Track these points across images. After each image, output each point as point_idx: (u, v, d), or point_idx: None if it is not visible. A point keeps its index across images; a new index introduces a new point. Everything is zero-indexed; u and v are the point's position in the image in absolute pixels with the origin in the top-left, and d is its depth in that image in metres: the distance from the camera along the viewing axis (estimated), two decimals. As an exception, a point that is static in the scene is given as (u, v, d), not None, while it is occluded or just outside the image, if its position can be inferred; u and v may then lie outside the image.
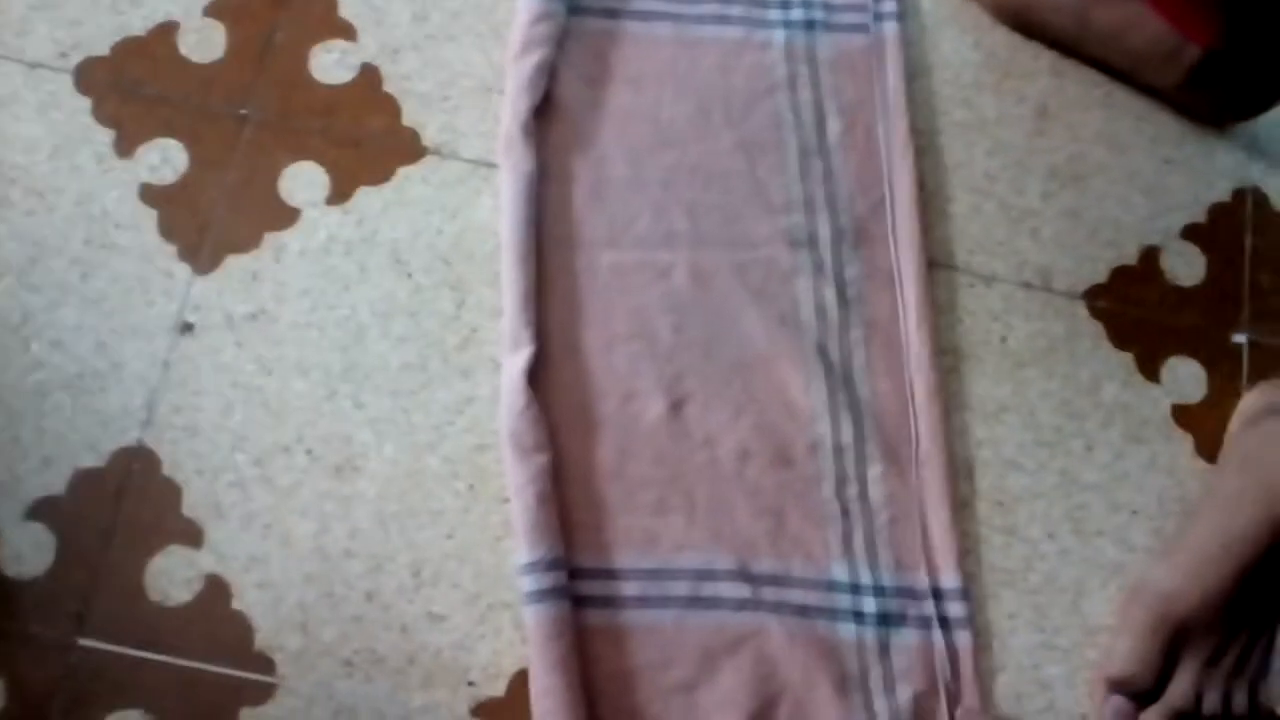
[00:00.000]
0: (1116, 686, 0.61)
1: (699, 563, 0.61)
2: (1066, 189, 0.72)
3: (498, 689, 0.59)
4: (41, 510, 0.60)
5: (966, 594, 0.62)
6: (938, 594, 0.62)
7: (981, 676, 0.61)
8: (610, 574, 0.61)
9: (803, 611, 0.61)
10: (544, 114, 0.69)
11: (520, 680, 0.59)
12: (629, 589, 0.61)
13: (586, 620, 0.60)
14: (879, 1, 0.74)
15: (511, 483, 0.61)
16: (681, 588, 0.61)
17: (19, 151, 0.67)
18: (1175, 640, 0.60)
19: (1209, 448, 0.67)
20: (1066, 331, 0.69)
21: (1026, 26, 0.75)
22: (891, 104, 0.71)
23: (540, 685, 0.57)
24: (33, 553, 0.60)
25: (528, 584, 0.59)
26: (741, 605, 0.60)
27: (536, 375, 0.63)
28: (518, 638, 0.60)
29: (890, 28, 0.73)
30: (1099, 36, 0.73)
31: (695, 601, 0.61)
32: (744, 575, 0.61)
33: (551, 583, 0.58)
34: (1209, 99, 0.74)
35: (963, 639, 0.61)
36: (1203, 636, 0.60)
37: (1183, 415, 0.68)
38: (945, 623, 0.61)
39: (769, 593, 0.61)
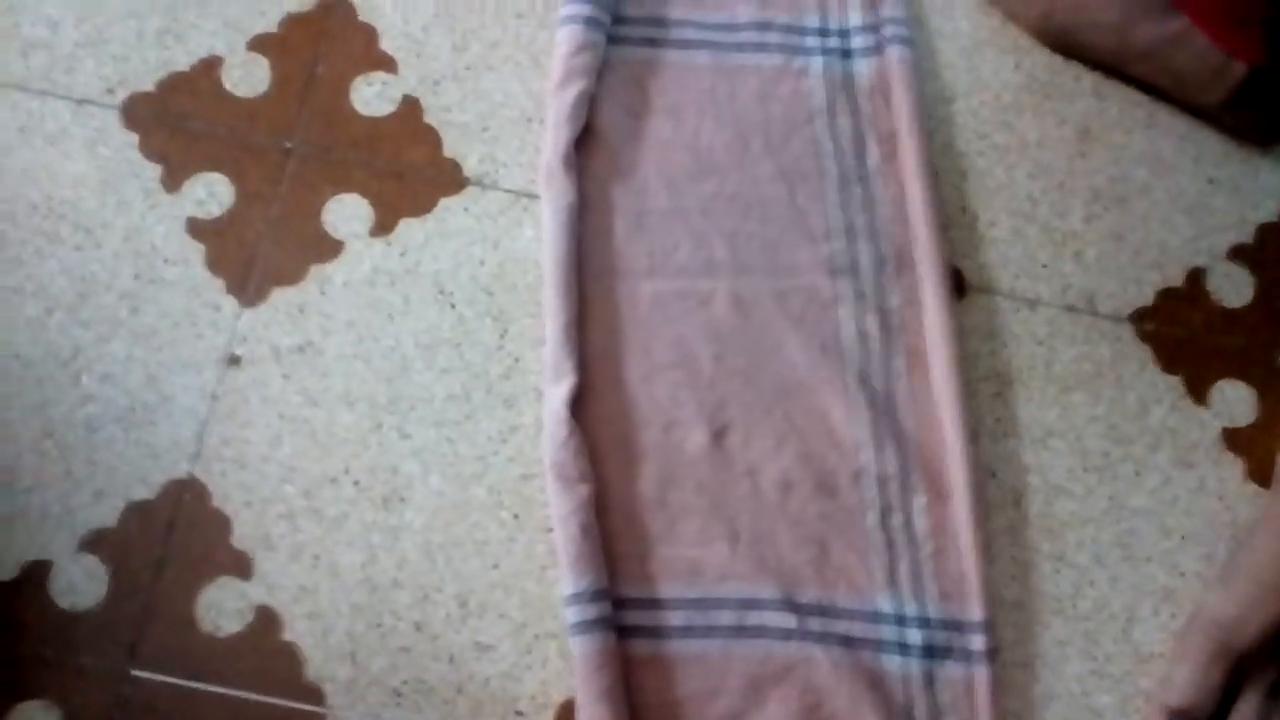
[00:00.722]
0: (1175, 717, 0.60)
1: (744, 592, 0.61)
2: (1110, 211, 0.72)
3: (546, 718, 0.59)
4: (94, 543, 0.61)
5: (988, 627, 0.61)
6: (960, 626, 0.61)
7: (1000, 710, 0.60)
8: (655, 604, 0.61)
9: (848, 642, 0.60)
10: (584, 145, 0.69)
11: (567, 710, 0.59)
12: (674, 619, 0.60)
13: (632, 650, 0.60)
14: (881, 27, 0.74)
15: (555, 514, 0.61)
16: (726, 617, 0.61)
17: (67, 187, 0.68)
18: (1235, 669, 0.60)
19: (1260, 471, 0.66)
20: (1113, 355, 0.69)
21: (1067, 47, 0.75)
22: (903, 129, 0.71)
23: (587, 716, 0.57)
24: (86, 585, 0.60)
25: (573, 615, 0.59)
26: (787, 635, 0.60)
27: (579, 406, 0.63)
28: (565, 667, 0.60)
29: (895, 51, 0.73)
30: (1141, 55, 0.73)
31: (741, 631, 0.60)
32: (789, 605, 0.61)
33: (596, 613, 0.59)
34: (1254, 117, 0.73)
35: (980, 673, 0.60)
36: (1264, 665, 0.60)
37: (1232, 438, 0.67)
38: (967, 655, 0.61)
39: (814, 623, 0.61)
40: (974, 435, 0.65)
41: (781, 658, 0.60)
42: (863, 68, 0.73)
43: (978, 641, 0.61)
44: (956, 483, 0.63)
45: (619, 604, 0.60)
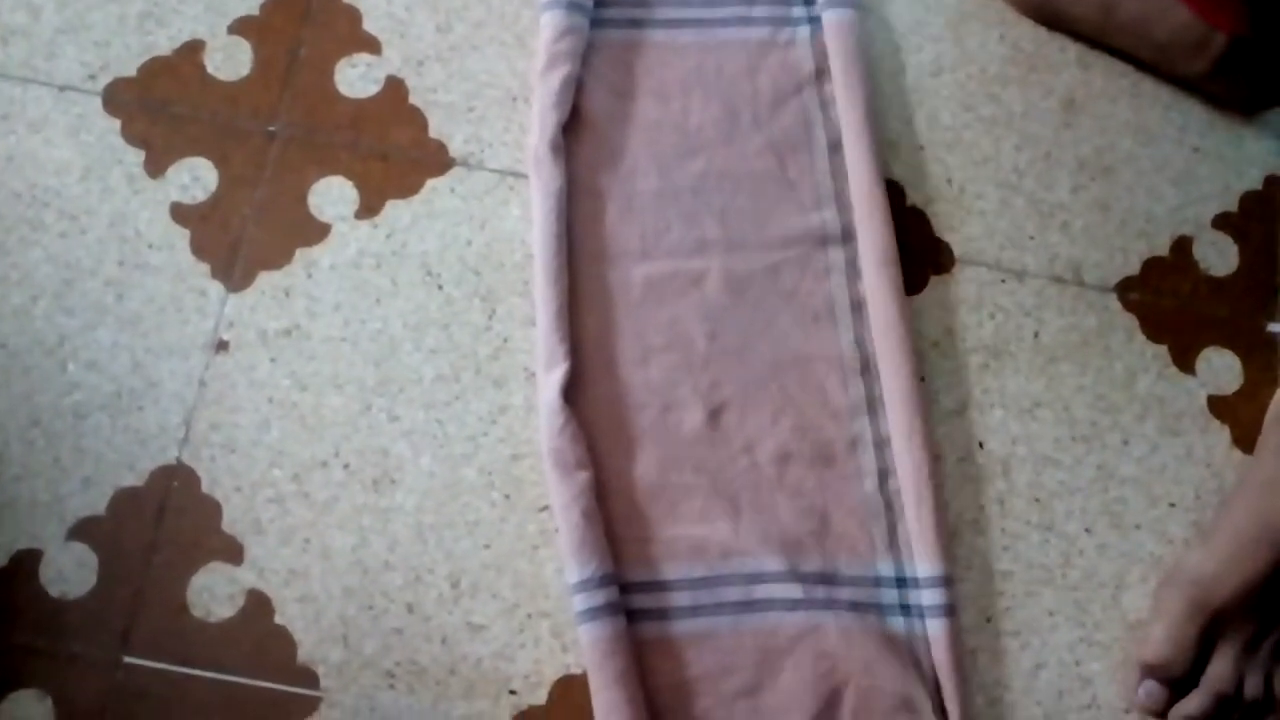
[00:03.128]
0: (1151, 672, 0.61)
1: (748, 567, 0.61)
2: (1096, 181, 0.72)
3: (539, 697, 0.60)
4: (83, 531, 0.61)
5: (946, 582, 0.61)
6: (915, 582, 0.62)
7: (963, 667, 0.60)
8: (660, 586, 0.61)
9: (854, 607, 0.61)
10: (572, 129, 0.69)
11: (562, 688, 0.60)
12: (680, 599, 0.61)
13: (641, 634, 0.60)
14: None
15: (555, 502, 0.61)
16: (733, 593, 0.61)
17: (51, 174, 0.67)
18: (1211, 626, 0.60)
19: (1247, 438, 0.67)
20: (1099, 325, 0.69)
21: (1051, 19, 0.75)
22: (840, 95, 0.70)
23: (602, 702, 0.57)
24: (76, 573, 0.60)
25: (580, 602, 0.59)
26: (794, 605, 0.61)
27: (573, 392, 0.63)
28: (558, 646, 0.60)
29: (833, 15, 0.72)
30: (1124, 27, 0.73)
31: (748, 606, 0.61)
32: (794, 575, 0.61)
33: (604, 599, 0.59)
34: (1237, 87, 0.73)
35: (935, 627, 0.61)
36: (1239, 622, 0.60)
37: (1219, 406, 0.68)
38: (921, 611, 0.61)
39: (820, 591, 0.61)
40: (924, 392, 0.65)
41: (791, 628, 0.60)
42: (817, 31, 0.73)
43: (928, 596, 0.61)
44: (899, 436, 0.63)
45: (624, 588, 0.60)
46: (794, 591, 0.61)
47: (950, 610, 0.61)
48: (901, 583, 0.62)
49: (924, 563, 0.62)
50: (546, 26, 0.70)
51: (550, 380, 0.63)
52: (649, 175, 0.69)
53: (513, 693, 0.60)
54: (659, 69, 0.72)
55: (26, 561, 0.60)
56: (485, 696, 0.59)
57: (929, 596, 0.61)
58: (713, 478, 0.63)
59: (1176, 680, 0.60)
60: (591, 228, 0.67)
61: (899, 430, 0.64)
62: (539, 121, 0.68)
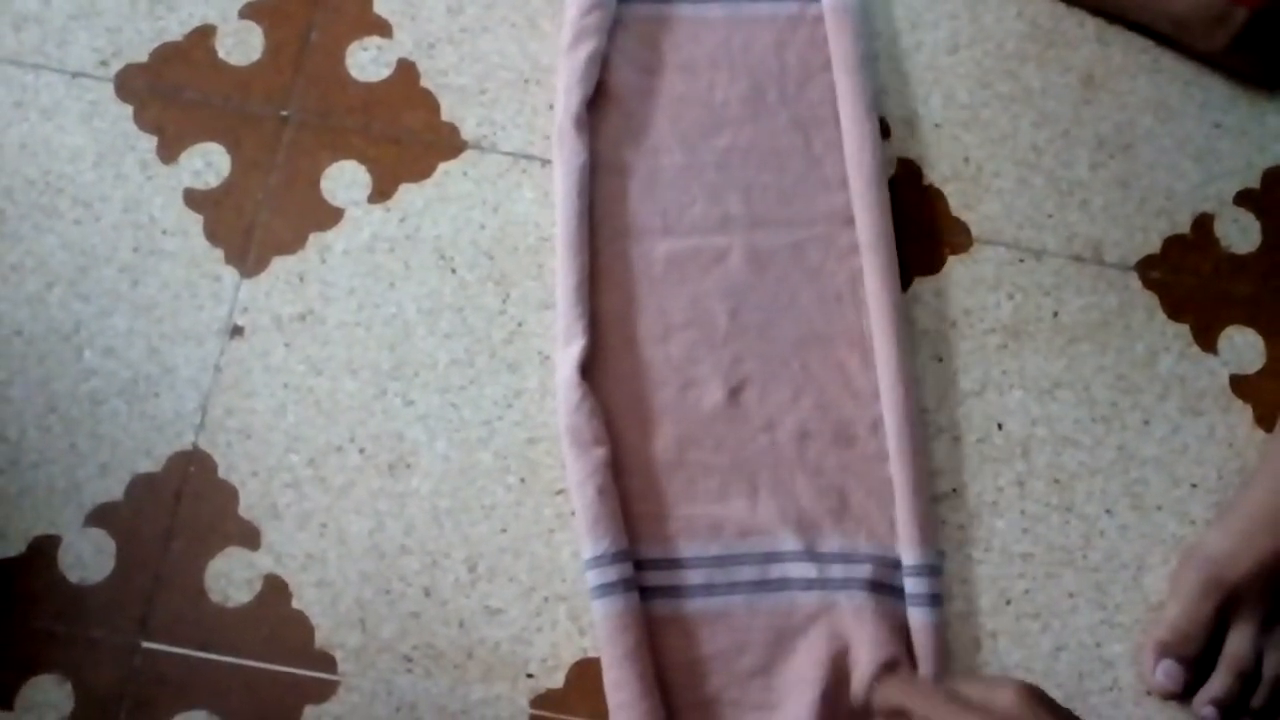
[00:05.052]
0: (1166, 650, 0.60)
1: (765, 546, 0.61)
2: (1115, 158, 0.71)
3: (556, 680, 0.59)
4: (101, 516, 0.61)
5: (930, 571, 0.61)
6: (897, 565, 0.61)
7: (943, 660, 0.60)
8: (675, 563, 0.61)
9: (872, 588, 0.60)
10: (597, 105, 0.68)
11: (579, 671, 0.59)
12: (695, 577, 0.60)
13: (655, 611, 0.60)
14: None
15: (571, 478, 0.61)
16: (748, 572, 0.61)
17: (64, 161, 0.67)
18: (1227, 605, 0.60)
19: (1269, 418, 0.66)
20: (1120, 304, 0.68)
21: (1069, -6, 0.74)
22: (840, 75, 0.70)
23: (612, 678, 0.57)
24: (94, 559, 0.60)
25: (594, 578, 0.59)
26: (809, 585, 0.60)
27: (591, 368, 0.63)
28: (575, 629, 0.60)
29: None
30: (1142, 2, 0.72)
31: (763, 585, 0.60)
32: (810, 555, 0.61)
33: (617, 575, 0.58)
34: (1259, 61, 0.72)
35: (915, 615, 0.60)
36: (1255, 601, 0.60)
37: (1241, 385, 0.67)
38: (902, 596, 0.61)
39: (837, 570, 0.61)
40: (912, 381, 0.64)
41: (805, 608, 0.60)
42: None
43: (910, 584, 0.61)
44: (889, 431, 0.63)
45: (639, 565, 0.60)
46: (809, 571, 0.60)
47: (933, 600, 0.60)
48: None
49: (906, 549, 0.61)
50: (572, 3, 0.70)
51: (567, 355, 0.62)
52: (673, 151, 0.68)
53: (530, 676, 0.59)
54: (687, 44, 0.71)
55: (45, 547, 0.60)
56: (503, 680, 0.59)
57: (911, 585, 0.61)
58: (732, 456, 0.63)
59: (1193, 659, 0.60)
60: (614, 204, 0.67)
61: (887, 414, 0.63)
62: (563, 97, 0.68)
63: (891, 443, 0.63)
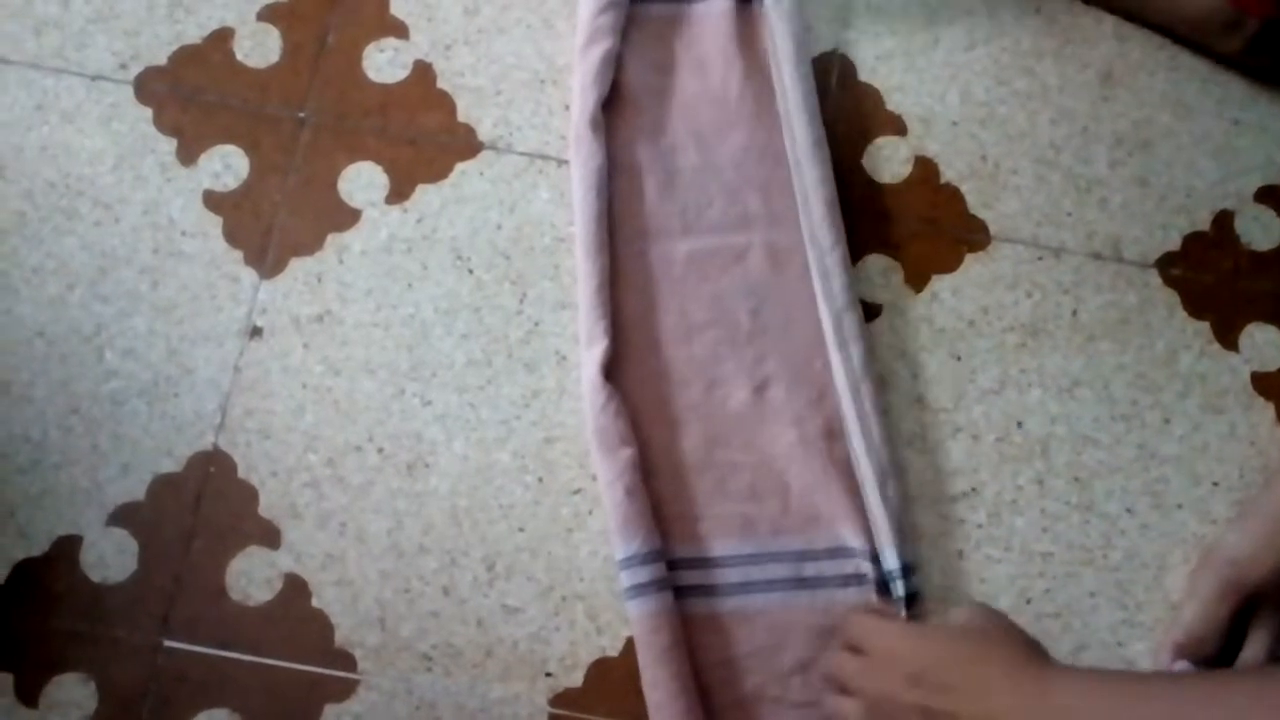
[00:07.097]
0: (1182, 651, 0.60)
1: (798, 544, 0.61)
2: (1134, 156, 0.71)
3: (575, 679, 0.60)
4: (123, 516, 0.61)
5: (906, 571, 0.60)
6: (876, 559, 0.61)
7: None
8: (709, 562, 0.61)
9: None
10: (612, 105, 0.68)
11: (597, 670, 0.60)
12: (731, 576, 0.60)
13: (690, 610, 0.60)
14: None
15: (601, 480, 0.61)
16: (783, 570, 0.61)
17: (85, 164, 0.68)
18: (1245, 607, 0.59)
19: (1291, 415, 0.66)
20: (1139, 302, 0.68)
21: (1086, -8, 0.74)
22: (784, 71, 0.69)
23: (649, 677, 0.57)
24: (116, 558, 0.61)
25: (626, 579, 0.59)
26: (846, 582, 0.61)
27: (616, 370, 0.63)
28: (593, 628, 0.60)
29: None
30: (1157, 5, 0.72)
31: (800, 583, 0.61)
32: (845, 552, 0.61)
33: (650, 575, 0.59)
34: (1275, 62, 0.71)
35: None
36: (1273, 604, 0.59)
37: (1263, 383, 0.66)
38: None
39: (871, 567, 0.61)
40: (876, 378, 0.63)
41: (844, 604, 0.60)
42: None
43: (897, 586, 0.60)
44: (852, 430, 0.62)
45: (673, 565, 0.60)
46: (845, 567, 0.60)
47: (910, 601, 0.60)
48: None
49: (886, 551, 0.61)
50: (586, 3, 0.70)
51: (590, 357, 0.62)
52: (689, 151, 0.68)
53: (549, 675, 0.60)
54: (699, 42, 0.71)
55: (67, 547, 0.61)
56: (521, 679, 0.59)
57: (896, 587, 0.60)
58: (760, 454, 0.63)
59: (1208, 660, 0.59)
60: (632, 206, 0.67)
61: (850, 415, 0.63)
62: (579, 98, 0.68)
63: (853, 442, 0.62)
